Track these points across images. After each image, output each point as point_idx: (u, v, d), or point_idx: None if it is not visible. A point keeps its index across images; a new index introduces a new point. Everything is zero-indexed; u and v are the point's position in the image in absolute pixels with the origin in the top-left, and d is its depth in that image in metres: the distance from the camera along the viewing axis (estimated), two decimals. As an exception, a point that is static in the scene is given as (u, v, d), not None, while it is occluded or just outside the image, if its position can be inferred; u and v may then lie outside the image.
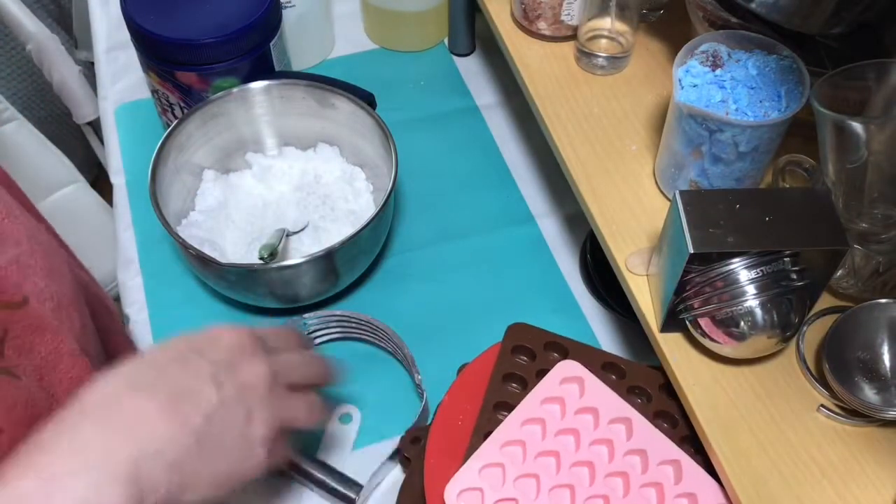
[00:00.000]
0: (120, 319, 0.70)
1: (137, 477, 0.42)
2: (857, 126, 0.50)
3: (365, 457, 0.67)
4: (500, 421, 0.59)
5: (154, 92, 0.82)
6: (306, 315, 0.71)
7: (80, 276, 0.63)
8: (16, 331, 0.48)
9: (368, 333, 0.72)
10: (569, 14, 0.76)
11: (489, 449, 0.58)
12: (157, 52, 0.76)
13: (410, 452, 0.64)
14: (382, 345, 0.72)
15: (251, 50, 0.77)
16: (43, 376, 0.50)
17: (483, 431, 0.60)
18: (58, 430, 0.42)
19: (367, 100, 0.76)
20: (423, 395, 0.67)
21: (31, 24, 1.15)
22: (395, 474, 0.66)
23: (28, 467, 0.40)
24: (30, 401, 0.48)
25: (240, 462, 0.48)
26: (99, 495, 0.40)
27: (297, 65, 0.94)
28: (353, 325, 0.72)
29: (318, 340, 0.72)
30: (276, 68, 0.82)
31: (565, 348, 0.65)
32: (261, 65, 0.79)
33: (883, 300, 0.56)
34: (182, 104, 0.80)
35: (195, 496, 0.45)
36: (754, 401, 0.57)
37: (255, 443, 0.48)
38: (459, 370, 0.68)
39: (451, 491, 0.56)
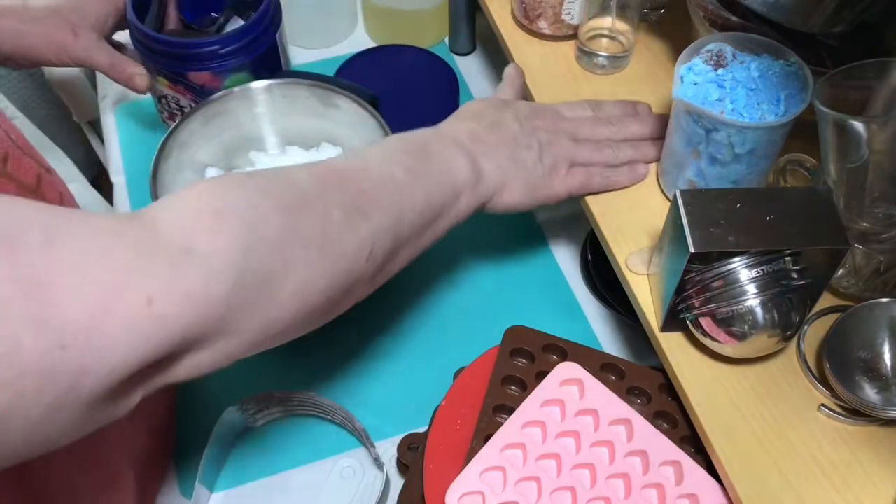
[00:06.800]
0: None
1: (474, 164, 0.59)
2: (859, 125, 0.50)
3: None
4: (500, 424, 0.59)
5: (162, 98, 0.82)
6: (244, 400, 0.66)
7: None
8: None
9: (313, 409, 0.69)
10: (569, 13, 0.75)
11: (490, 452, 0.58)
12: (169, 57, 0.77)
13: (407, 459, 0.63)
14: (330, 418, 0.69)
15: (261, 42, 0.78)
16: None
17: (483, 435, 0.60)
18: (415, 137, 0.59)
19: (370, 100, 0.76)
20: (383, 467, 0.64)
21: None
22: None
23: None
24: None
25: (539, 179, 0.63)
26: (456, 160, 0.58)
27: (325, 43, 0.98)
28: (296, 403, 0.68)
29: (259, 423, 0.69)
30: (282, 60, 0.83)
31: (564, 350, 0.65)
32: (270, 57, 0.80)
33: (884, 299, 0.56)
34: (193, 105, 0.80)
35: (511, 197, 0.62)
36: (755, 400, 0.57)
37: (547, 168, 0.64)
38: (456, 374, 0.68)
39: (452, 495, 0.56)
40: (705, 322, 0.56)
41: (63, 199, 0.59)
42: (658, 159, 0.68)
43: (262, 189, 0.45)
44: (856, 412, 0.55)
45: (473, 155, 0.60)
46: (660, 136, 0.68)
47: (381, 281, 0.54)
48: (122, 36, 0.96)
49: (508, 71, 0.71)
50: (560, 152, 0.65)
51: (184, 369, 0.40)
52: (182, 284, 0.37)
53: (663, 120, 0.69)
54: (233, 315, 0.40)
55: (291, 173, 0.49)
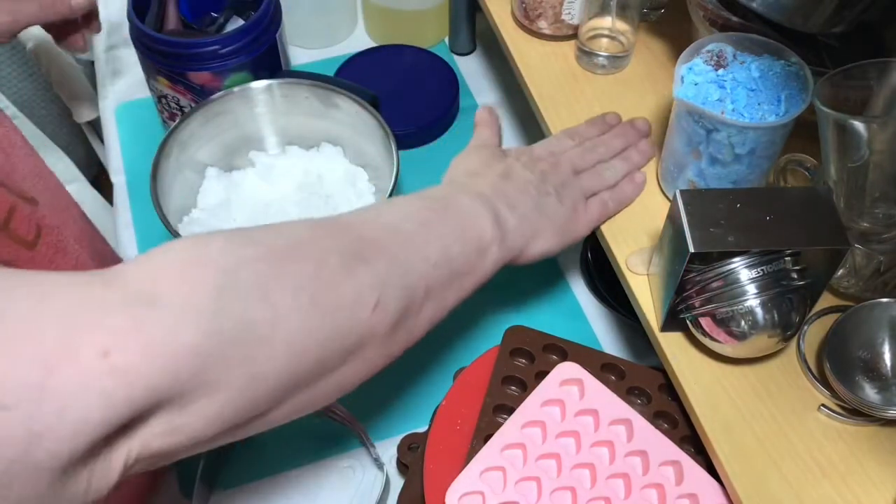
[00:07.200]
0: None
1: (499, 218, 0.57)
2: (859, 125, 0.50)
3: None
4: (500, 424, 0.59)
5: (162, 98, 0.82)
6: None
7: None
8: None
9: None
10: (569, 13, 0.75)
11: (490, 452, 0.58)
12: (169, 56, 0.77)
13: (408, 459, 0.63)
14: (330, 418, 0.68)
15: (261, 42, 0.78)
16: None
17: (483, 435, 0.60)
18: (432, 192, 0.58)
19: (370, 100, 0.76)
20: (383, 467, 0.64)
21: (31, 24, 1.15)
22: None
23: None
24: None
25: (565, 223, 0.62)
26: (481, 217, 0.56)
27: (325, 43, 0.98)
28: None
29: None
30: (282, 60, 0.83)
31: (564, 350, 0.65)
32: (270, 57, 0.80)
33: (884, 299, 0.56)
34: (193, 105, 0.80)
35: (542, 247, 0.61)
36: (755, 400, 0.57)
37: (569, 210, 0.62)
38: (456, 374, 0.68)
39: (453, 495, 0.56)
40: (705, 322, 0.56)
41: (41, 231, 0.55)
42: (646, 162, 0.68)
43: (243, 237, 0.43)
44: (856, 412, 0.55)
45: (497, 210, 0.58)
46: (638, 140, 0.69)
47: (400, 341, 0.50)
48: (122, 36, 0.97)
49: (481, 115, 0.67)
50: (574, 191, 0.64)
51: (162, 434, 0.37)
52: (143, 333, 0.35)
53: (636, 125, 0.69)
54: (212, 367, 0.37)
55: (285, 223, 0.47)
